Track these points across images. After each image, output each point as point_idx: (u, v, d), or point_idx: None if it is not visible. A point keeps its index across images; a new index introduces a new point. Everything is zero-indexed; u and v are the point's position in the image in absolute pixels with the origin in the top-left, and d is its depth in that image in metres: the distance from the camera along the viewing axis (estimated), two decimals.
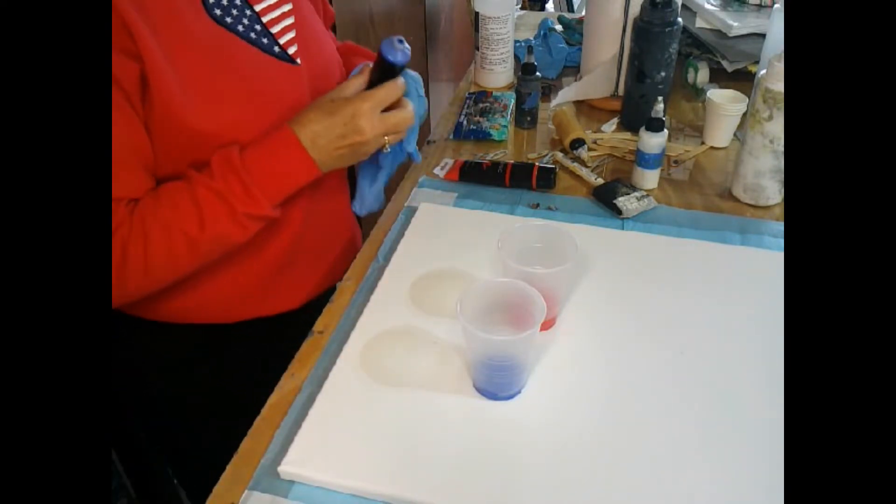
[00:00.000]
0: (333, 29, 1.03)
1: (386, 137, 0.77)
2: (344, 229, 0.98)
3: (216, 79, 0.72)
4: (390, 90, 0.76)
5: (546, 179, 0.97)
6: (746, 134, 0.91)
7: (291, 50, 0.80)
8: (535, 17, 1.56)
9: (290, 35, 0.80)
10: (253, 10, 0.76)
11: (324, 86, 0.82)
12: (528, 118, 1.13)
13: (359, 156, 0.78)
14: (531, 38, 1.40)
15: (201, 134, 0.71)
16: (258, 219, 0.74)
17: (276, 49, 0.78)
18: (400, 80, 0.77)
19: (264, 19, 0.77)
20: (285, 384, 0.72)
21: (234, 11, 0.74)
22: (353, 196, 0.90)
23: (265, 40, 0.77)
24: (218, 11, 0.73)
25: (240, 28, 0.74)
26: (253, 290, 0.86)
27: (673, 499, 0.59)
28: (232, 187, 0.71)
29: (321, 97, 0.77)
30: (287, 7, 0.80)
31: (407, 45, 0.76)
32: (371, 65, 0.78)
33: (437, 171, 1.03)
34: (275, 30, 0.78)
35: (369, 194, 0.88)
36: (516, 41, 1.30)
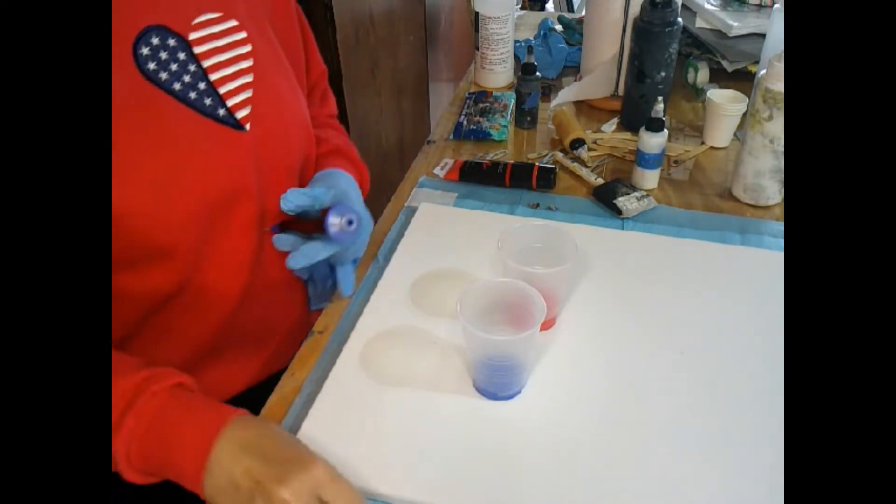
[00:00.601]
0: (332, 83, 0.93)
1: None
2: (290, 312, 0.85)
3: (135, 145, 0.61)
4: (350, 496, 0.55)
5: (546, 179, 0.97)
6: (746, 134, 0.91)
7: (241, 114, 0.69)
8: (535, 17, 1.56)
9: (244, 96, 0.69)
10: (199, 67, 0.66)
11: (275, 157, 0.72)
12: (528, 118, 1.13)
13: None
14: (531, 38, 1.40)
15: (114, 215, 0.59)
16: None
17: (221, 112, 0.67)
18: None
19: (213, 77, 0.67)
20: (285, 384, 0.72)
21: (174, 66, 0.64)
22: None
23: (208, 101, 0.66)
24: (151, 65, 0.63)
25: (176, 86, 0.64)
26: None
27: (673, 499, 0.59)
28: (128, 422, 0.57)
29: (279, 435, 0.58)
30: (246, 64, 0.70)
31: (352, 228, 0.69)
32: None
33: (437, 170, 1.03)
34: (224, 89, 0.68)
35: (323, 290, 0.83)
36: (516, 41, 1.30)
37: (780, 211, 0.94)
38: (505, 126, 1.13)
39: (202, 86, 0.66)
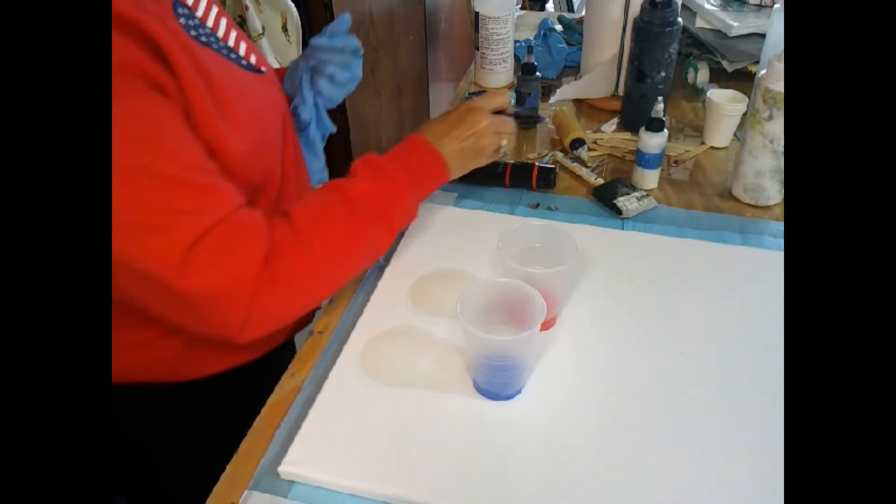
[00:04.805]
0: None
1: (503, 141, 0.86)
2: None
3: (232, 101, 0.70)
4: (498, 96, 0.87)
5: (546, 180, 0.97)
6: (746, 134, 0.91)
7: (253, 59, 0.78)
8: (535, 17, 1.56)
9: (244, 45, 0.77)
10: (210, 29, 0.72)
11: (281, 91, 0.85)
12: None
13: (479, 151, 0.84)
14: (531, 38, 1.40)
15: (237, 158, 0.69)
16: (404, 218, 0.78)
17: (243, 63, 0.76)
18: (506, 94, 0.89)
19: (219, 33, 0.74)
20: (285, 384, 0.72)
21: (201, 30, 0.70)
22: None
23: (233, 55, 0.75)
24: (193, 32, 0.69)
25: (214, 46, 0.71)
26: (183, 347, 0.76)
27: (673, 498, 0.59)
28: (383, 190, 0.74)
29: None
30: (225, 19, 0.76)
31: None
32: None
33: None
34: (231, 43, 0.75)
35: (309, 169, 0.91)
36: (516, 41, 1.30)
37: (780, 211, 0.94)
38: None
39: (221, 42, 0.73)
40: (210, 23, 0.72)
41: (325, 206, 0.72)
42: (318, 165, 0.93)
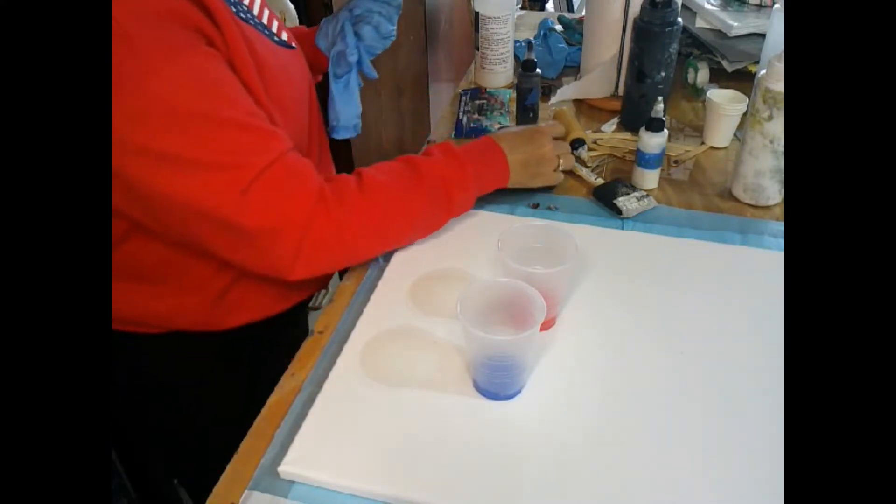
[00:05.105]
0: None
1: (561, 160, 0.93)
2: None
3: (278, 81, 0.75)
4: (560, 126, 0.97)
5: None
6: (746, 134, 0.91)
7: (284, 37, 0.82)
8: (535, 17, 1.56)
9: (276, 23, 0.82)
10: (246, 6, 0.76)
11: (307, 68, 0.88)
12: (531, 114, 1.13)
13: (540, 168, 0.91)
14: (531, 39, 1.40)
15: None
16: (463, 205, 0.85)
17: (276, 39, 0.80)
18: (561, 126, 0.98)
19: (254, 10, 0.78)
20: (285, 384, 0.72)
21: (242, 10, 0.75)
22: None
23: (266, 32, 0.78)
24: (234, 9, 0.73)
25: (252, 23, 0.75)
26: (211, 302, 0.82)
27: (673, 498, 0.59)
28: (453, 173, 0.81)
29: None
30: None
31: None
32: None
33: None
34: (264, 20, 0.79)
35: (344, 116, 0.95)
36: (516, 41, 1.30)
37: (780, 211, 0.94)
38: (506, 125, 1.13)
39: (256, 19, 0.77)
40: (246, 1, 0.77)
41: (396, 173, 0.78)
42: (353, 111, 0.96)
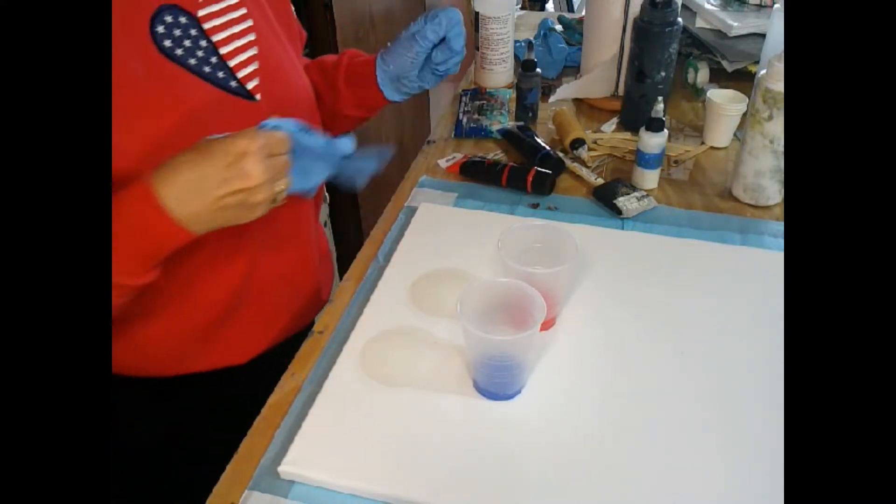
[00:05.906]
0: (306, 48, 0.96)
1: (278, 185, 0.62)
2: (306, 280, 0.89)
3: (159, 117, 0.64)
4: (277, 137, 0.62)
5: (541, 185, 0.96)
6: (746, 134, 0.91)
7: (251, 85, 0.73)
8: (535, 17, 1.56)
9: (252, 68, 0.73)
10: (209, 41, 0.69)
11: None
12: (530, 114, 1.13)
13: (246, 210, 0.61)
14: (531, 38, 1.40)
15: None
16: (118, 286, 0.61)
17: (233, 84, 0.71)
18: (286, 139, 0.63)
19: (222, 51, 0.70)
20: (285, 384, 0.72)
21: (188, 43, 0.67)
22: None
23: (220, 74, 0.70)
24: (167, 43, 0.66)
25: (191, 61, 0.68)
26: (189, 342, 0.78)
27: (673, 498, 0.59)
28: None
29: (203, 137, 0.61)
30: (250, 37, 0.73)
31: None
32: None
33: (441, 162, 1.04)
34: (233, 62, 0.71)
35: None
36: (516, 41, 1.30)
37: (780, 211, 0.94)
38: (505, 125, 1.13)
39: (214, 60, 0.70)
40: (217, 38, 0.70)
41: None
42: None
